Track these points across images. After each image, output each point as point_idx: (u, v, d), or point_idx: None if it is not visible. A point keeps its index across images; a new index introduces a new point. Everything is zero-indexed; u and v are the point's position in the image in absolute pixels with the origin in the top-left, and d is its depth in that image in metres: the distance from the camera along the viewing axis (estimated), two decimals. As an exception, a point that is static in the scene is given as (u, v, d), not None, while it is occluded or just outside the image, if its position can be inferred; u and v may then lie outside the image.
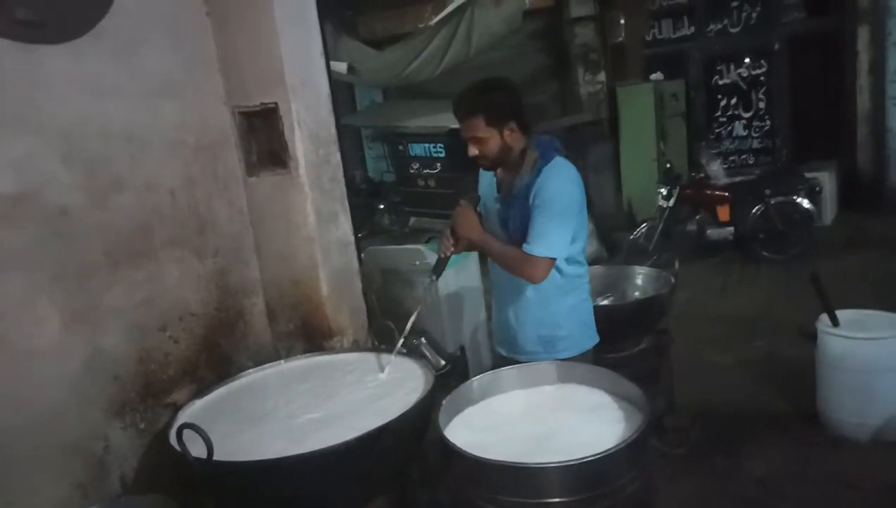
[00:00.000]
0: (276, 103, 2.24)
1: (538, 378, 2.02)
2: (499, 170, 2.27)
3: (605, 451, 1.52)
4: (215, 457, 1.59)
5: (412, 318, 2.10)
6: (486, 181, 2.34)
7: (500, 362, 2.30)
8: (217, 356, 2.26)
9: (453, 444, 1.65)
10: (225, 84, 2.29)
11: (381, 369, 2.10)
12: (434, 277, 2.19)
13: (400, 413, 1.76)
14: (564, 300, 2.23)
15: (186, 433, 1.64)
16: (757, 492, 2.68)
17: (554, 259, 2.09)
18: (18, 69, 1.72)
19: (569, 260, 2.19)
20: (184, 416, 1.93)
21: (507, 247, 2.14)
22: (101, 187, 1.90)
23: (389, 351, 2.19)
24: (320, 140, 2.35)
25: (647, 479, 1.64)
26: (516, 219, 2.14)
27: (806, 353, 3.18)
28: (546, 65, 7.94)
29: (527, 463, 1.56)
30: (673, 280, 2.98)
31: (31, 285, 1.72)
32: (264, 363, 2.28)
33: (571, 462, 1.52)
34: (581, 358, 2.24)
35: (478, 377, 2.01)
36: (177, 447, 1.66)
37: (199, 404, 2.04)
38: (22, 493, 1.69)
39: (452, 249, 2.17)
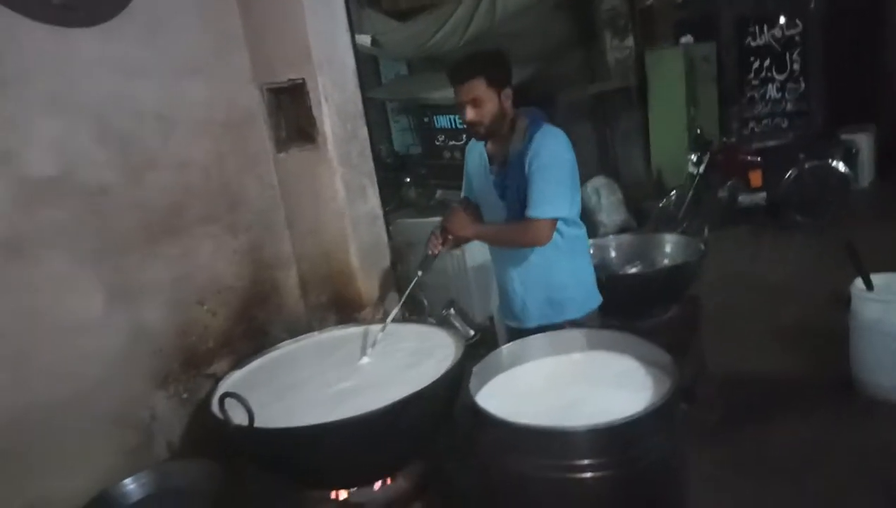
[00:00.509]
0: (303, 79, 2.27)
1: (567, 345, 2.04)
2: (489, 144, 2.28)
3: (634, 415, 1.54)
4: (255, 425, 1.66)
5: (410, 286, 2.18)
6: (475, 157, 2.36)
7: (511, 335, 2.33)
8: (253, 328, 2.33)
9: (485, 410, 1.69)
10: (252, 62, 2.33)
11: (372, 344, 2.13)
12: (420, 273, 2.21)
13: (431, 381, 1.80)
14: (567, 262, 2.27)
15: (228, 401, 1.72)
16: (788, 458, 2.67)
17: (556, 220, 2.13)
18: (54, 52, 1.77)
19: (567, 223, 2.22)
20: (224, 386, 2.00)
21: (503, 226, 2.21)
22: (135, 165, 1.96)
23: (420, 321, 2.23)
24: (347, 115, 2.38)
25: (675, 444, 1.66)
26: (513, 186, 2.17)
27: (839, 320, 3.14)
28: (572, 32, 7.78)
29: (556, 427, 1.60)
30: (703, 247, 2.96)
31: (73, 262, 1.79)
32: (298, 334, 2.34)
33: (600, 426, 1.54)
34: (588, 318, 2.29)
35: (507, 345, 2.04)
36: (219, 415, 1.73)
37: (237, 374, 2.11)
38: (78, 459, 1.79)
39: (440, 247, 2.23)
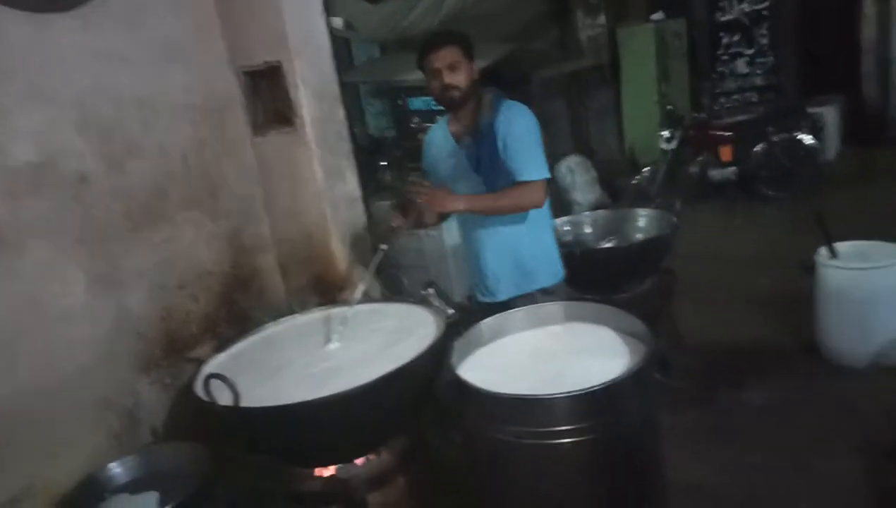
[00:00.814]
0: (279, 62, 2.28)
1: (545, 318, 2.10)
2: (452, 124, 2.38)
3: (608, 381, 1.61)
4: (241, 404, 1.70)
5: (374, 261, 2.19)
6: (438, 142, 2.44)
7: (485, 311, 2.32)
8: (235, 312, 2.36)
9: (466, 381, 1.75)
10: (229, 46, 2.33)
11: (342, 323, 2.15)
12: (384, 247, 2.24)
13: (413, 357, 1.85)
14: (536, 232, 2.37)
15: (213, 383, 1.75)
16: (758, 420, 2.78)
17: (547, 180, 2.24)
18: (32, 41, 1.77)
19: None
20: (207, 369, 2.02)
21: (496, 193, 2.24)
22: (116, 153, 1.97)
23: (399, 300, 2.28)
24: (324, 96, 2.40)
25: (649, 409, 1.73)
26: (485, 156, 2.26)
27: (809, 288, 3.25)
28: (546, 10, 7.80)
29: (536, 395, 1.65)
30: (675, 220, 3.04)
31: (56, 249, 1.80)
32: (279, 317, 2.37)
33: (577, 393, 1.61)
34: (558, 287, 2.41)
35: (487, 320, 2.09)
36: (204, 397, 1.76)
37: (220, 358, 2.14)
38: (64, 444, 1.82)
39: (402, 221, 2.26)
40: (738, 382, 3.04)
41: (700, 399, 2.93)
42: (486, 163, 2.26)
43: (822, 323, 3.19)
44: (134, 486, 1.84)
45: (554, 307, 2.12)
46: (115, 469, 1.86)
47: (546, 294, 2.37)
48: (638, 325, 1.87)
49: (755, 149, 6.21)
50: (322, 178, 2.36)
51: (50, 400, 1.78)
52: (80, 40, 1.86)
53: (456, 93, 2.23)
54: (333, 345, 2.10)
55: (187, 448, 1.91)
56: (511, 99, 2.33)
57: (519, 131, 2.22)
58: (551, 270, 2.42)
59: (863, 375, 3.01)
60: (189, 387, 1.91)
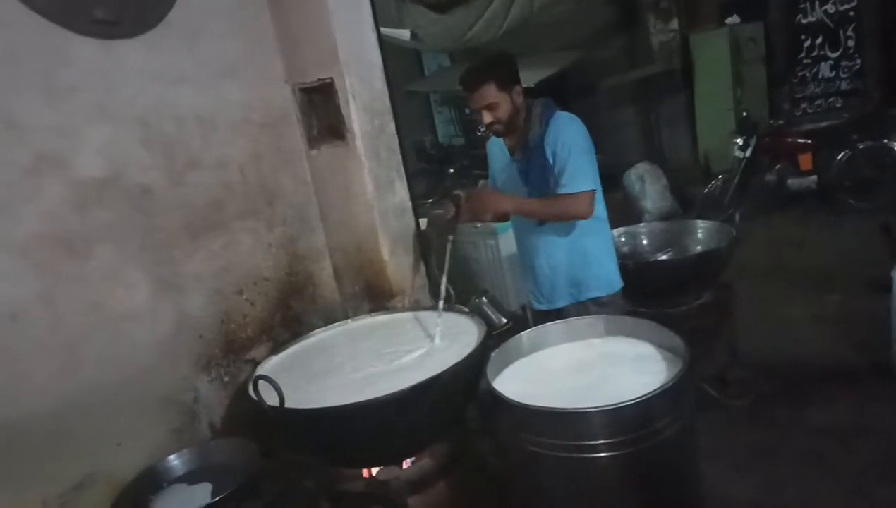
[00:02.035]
0: (331, 78, 2.37)
1: (585, 331, 2.10)
2: (507, 139, 2.46)
3: (643, 396, 1.60)
4: (286, 405, 1.78)
5: (447, 252, 2.29)
6: (497, 152, 2.55)
7: (539, 318, 2.45)
8: (290, 316, 2.46)
9: (500, 393, 1.77)
10: (285, 63, 2.44)
11: (442, 336, 2.19)
12: (451, 237, 2.33)
13: (450, 365, 1.89)
14: (591, 240, 2.41)
15: (262, 384, 1.84)
16: (820, 444, 2.66)
17: (593, 191, 2.26)
18: (99, 63, 1.91)
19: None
20: (261, 371, 2.14)
21: (545, 199, 2.29)
22: (177, 167, 2.10)
23: (447, 309, 2.32)
24: (375, 111, 2.47)
25: (686, 424, 1.71)
26: (535, 168, 2.32)
27: (884, 306, 3.08)
28: (614, 16, 7.71)
29: (567, 408, 1.66)
30: (734, 233, 2.95)
31: (121, 256, 1.94)
32: (332, 322, 2.47)
33: (611, 407, 1.61)
34: (612, 297, 2.44)
35: (527, 331, 2.11)
36: (254, 397, 1.87)
37: (274, 360, 2.25)
38: (128, 437, 1.94)
39: (453, 212, 2.35)
40: (800, 402, 2.92)
41: (757, 417, 2.84)
42: (536, 177, 2.33)
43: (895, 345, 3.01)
44: (190, 478, 1.95)
45: (593, 320, 2.11)
46: (174, 461, 1.98)
47: (598, 305, 2.41)
48: (676, 341, 1.84)
49: (838, 157, 5.92)
50: (372, 190, 2.43)
51: (114, 395, 1.91)
52: (143, 62, 2.00)
53: (498, 128, 2.34)
54: (437, 342, 2.16)
55: (240, 443, 2.00)
56: (565, 109, 2.38)
57: (566, 142, 2.26)
58: (605, 280, 2.44)
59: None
60: (245, 386, 2.01)
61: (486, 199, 2.29)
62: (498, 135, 2.41)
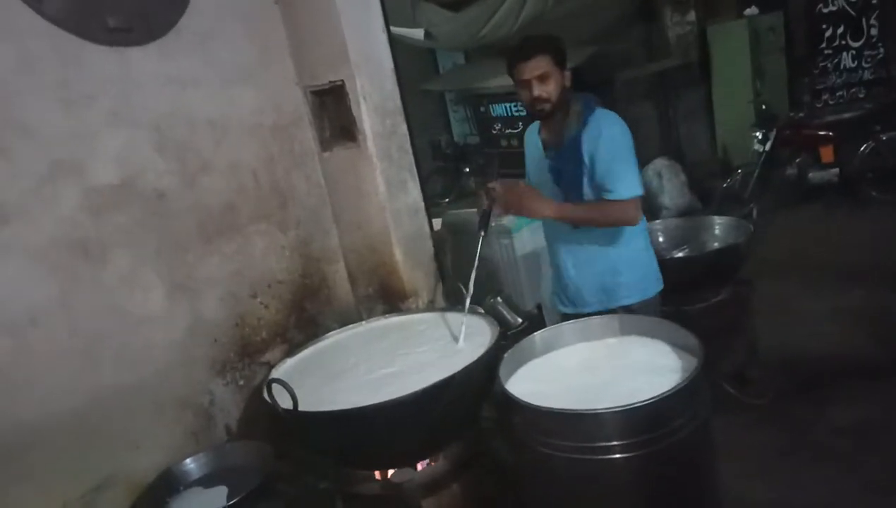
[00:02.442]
0: (342, 80, 2.38)
1: (599, 331, 2.08)
2: (543, 130, 2.33)
3: (656, 397, 1.58)
4: (300, 408, 1.80)
5: (478, 247, 2.20)
6: (532, 145, 2.42)
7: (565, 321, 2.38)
8: (304, 319, 2.47)
9: (512, 394, 1.76)
10: (296, 66, 2.45)
11: (455, 337, 2.17)
12: (482, 233, 2.24)
13: (464, 366, 1.88)
14: (622, 247, 2.27)
15: (276, 387, 1.86)
16: (840, 443, 2.61)
17: (639, 198, 2.15)
18: (113, 71, 1.94)
19: None
20: (275, 373, 2.15)
21: (589, 205, 2.17)
22: (190, 171, 2.12)
23: (459, 310, 2.32)
24: (386, 112, 2.47)
25: (701, 423, 1.68)
26: (568, 169, 2.19)
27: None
28: (630, 9, 7.63)
29: (580, 409, 1.65)
30: (751, 229, 2.91)
31: (137, 260, 1.97)
32: (347, 324, 2.48)
33: (623, 408, 1.59)
34: (644, 304, 2.29)
35: (540, 331, 2.09)
36: (268, 400, 1.88)
37: (289, 362, 2.27)
38: (145, 438, 1.97)
39: (486, 205, 2.22)
40: (820, 400, 2.87)
41: (778, 416, 2.80)
42: (568, 178, 2.20)
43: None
44: (206, 480, 1.97)
45: (608, 320, 2.09)
46: (190, 464, 2.00)
47: (629, 312, 2.26)
48: (690, 339, 1.82)
49: (861, 149, 5.81)
50: (384, 191, 2.44)
51: (131, 398, 1.94)
52: (156, 68, 2.02)
53: (546, 105, 2.16)
54: (461, 344, 2.13)
55: (255, 446, 2.02)
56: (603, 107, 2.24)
57: (609, 145, 2.12)
58: (638, 285, 2.31)
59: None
60: (260, 389, 2.03)
61: (525, 200, 2.14)
62: (543, 114, 2.19)
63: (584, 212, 2.18)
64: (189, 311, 2.11)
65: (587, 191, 2.20)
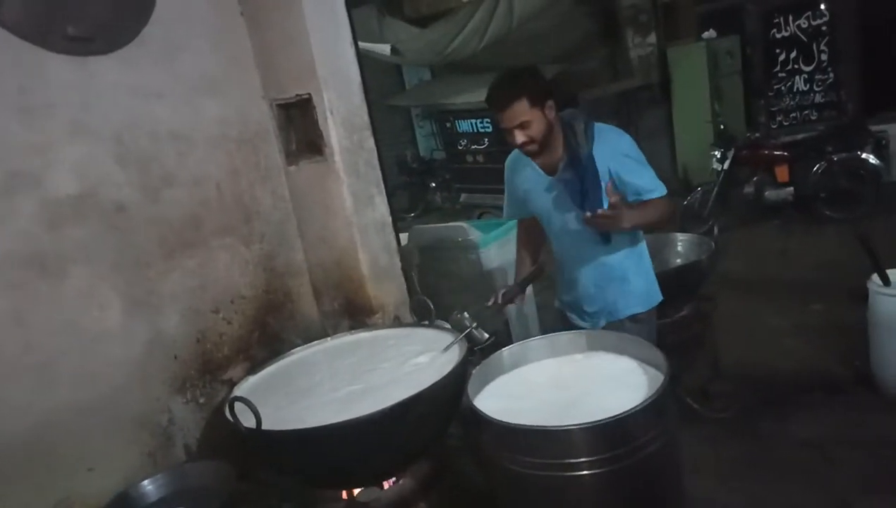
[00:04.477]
0: (309, 94, 2.36)
1: (567, 347, 2.09)
2: (537, 158, 2.24)
3: (622, 413, 1.59)
4: (263, 427, 1.75)
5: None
6: (527, 174, 2.32)
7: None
8: (268, 335, 2.43)
9: (480, 411, 1.75)
10: (262, 79, 2.42)
11: (422, 353, 2.17)
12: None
13: (431, 382, 1.87)
14: (634, 254, 2.32)
15: (238, 406, 1.81)
16: (801, 454, 2.66)
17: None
18: (73, 80, 1.89)
19: None
20: (238, 391, 2.10)
21: (648, 207, 2.16)
22: (152, 184, 2.07)
23: (428, 325, 2.30)
24: (353, 126, 2.46)
25: (668, 439, 1.70)
26: (590, 188, 2.14)
27: (863, 316, 3.10)
28: (594, 30, 7.79)
29: (548, 426, 1.65)
30: (713, 245, 2.96)
31: (94, 275, 1.91)
32: (312, 340, 2.43)
33: (590, 424, 1.59)
34: (649, 314, 2.34)
35: (508, 347, 2.09)
36: (230, 418, 1.83)
37: (252, 380, 2.21)
38: (100, 460, 1.90)
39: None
40: (783, 414, 2.93)
41: (741, 430, 2.84)
42: (593, 194, 2.13)
43: (875, 354, 3.04)
44: (165, 503, 1.91)
45: (575, 336, 2.11)
46: (148, 486, 1.93)
47: (635, 321, 2.32)
48: (657, 355, 1.84)
49: (814, 169, 6.00)
50: (351, 205, 2.42)
51: (87, 418, 1.87)
52: (118, 78, 1.97)
53: (533, 148, 2.14)
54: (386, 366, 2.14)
55: (215, 466, 1.97)
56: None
57: (630, 152, 2.17)
58: (644, 296, 2.35)
59: (919, 412, 2.86)
60: (221, 407, 1.98)
61: (616, 220, 2.06)
62: (533, 156, 2.19)
63: (653, 213, 2.17)
64: (148, 327, 2.05)
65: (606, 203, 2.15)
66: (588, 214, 2.07)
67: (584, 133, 2.16)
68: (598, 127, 2.19)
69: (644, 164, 2.18)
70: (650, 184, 2.16)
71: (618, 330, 2.25)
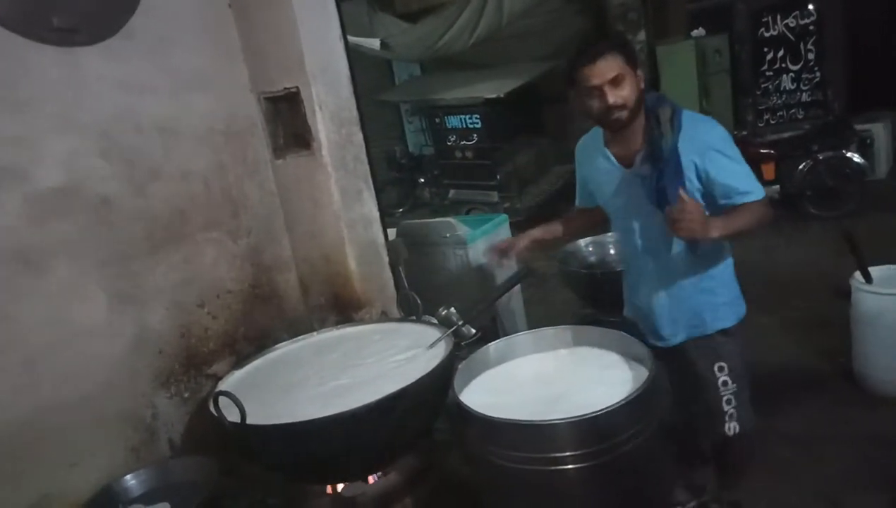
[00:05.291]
0: (297, 87, 2.35)
1: (553, 342, 2.10)
2: (614, 144, 2.00)
3: (607, 407, 1.60)
4: (248, 422, 1.75)
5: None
6: (597, 161, 2.07)
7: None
8: (254, 329, 2.42)
9: (466, 405, 1.76)
10: (250, 72, 2.41)
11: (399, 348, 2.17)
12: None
13: (418, 377, 1.87)
14: (720, 264, 2.06)
15: (223, 400, 1.80)
16: (786, 450, 2.70)
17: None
18: (58, 73, 1.87)
19: None
20: (224, 385, 2.09)
21: (739, 214, 1.85)
22: (138, 177, 2.06)
23: (415, 321, 2.30)
24: (342, 120, 2.45)
25: (653, 434, 1.71)
26: (673, 183, 1.84)
27: (846, 312, 3.14)
28: (583, 28, 7.80)
29: (533, 420, 1.66)
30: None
31: (79, 269, 1.89)
32: (299, 335, 2.42)
33: (575, 419, 1.60)
34: (739, 326, 2.11)
35: (494, 342, 2.10)
36: (215, 413, 1.82)
37: (237, 374, 2.20)
38: (84, 455, 1.89)
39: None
40: (768, 410, 2.93)
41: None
42: (674, 193, 1.81)
43: (858, 351, 3.08)
44: (148, 497, 1.90)
45: (561, 331, 2.11)
46: (131, 480, 1.93)
47: (726, 335, 2.09)
48: (642, 350, 1.85)
49: (799, 168, 6.05)
50: (339, 200, 2.41)
51: (70, 413, 1.85)
52: (104, 71, 1.95)
53: (623, 113, 1.85)
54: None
55: (200, 461, 1.96)
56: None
57: (722, 146, 1.87)
58: (734, 308, 2.11)
59: (901, 407, 2.90)
60: (206, 402, 1.97)
61: (695, 225, 1.77)
62: (620, 124, 1.88)
63: (744, 221, 1.85)
64: (133, 322, 2.04)
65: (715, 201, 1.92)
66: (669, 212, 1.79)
67: (671, 121, 1.86)
68: (687, 115, 1.90)
69: (738, 161, 1.87)
70: (744, 185, 1.84)
71: (706, 345, 2.07)
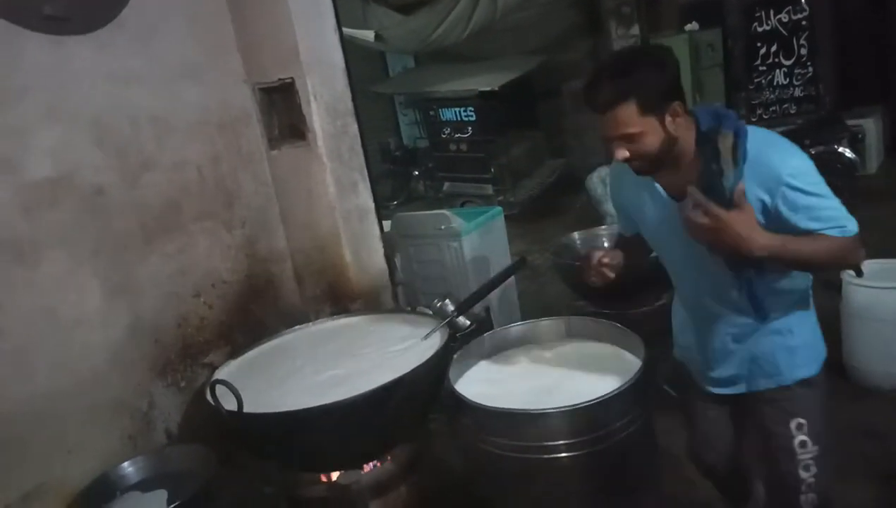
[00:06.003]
0: (292, 78, 2.35)
1: (547, 334, 2.12)
2: (659, 176, 1.63)
3: (601, 397, 1.62)
4: (245, 410, 1.75)
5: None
6: (639, 189, 1.71)
7: (705, 400, 1.84)
8: (249, 320, 2.42)
9: (462, 395, 1.77)
10: (244, 62, 2.41)
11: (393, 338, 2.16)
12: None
13: (413, 367, 1.88)
14: (798, 300, 1.70)
15: (219, 389, 1.81)
16: (775, 441, 2.72)
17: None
18: (50, 62, 1.86)
19: None
20: (220, 375, 2.09)
21: (810, 238, 1.47)
22: (131, 168, 2.05)
23: (409, 312, 2.31)
24: (337, 112, 2.45)
25: (644, 424, 1.73)
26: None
27: (836, 306, 3.16)
28: (577, 22, 7.81)
29: (527, 409, 1.67)
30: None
31: (73, 260, 1.89)
32: (294, 325, 2.43)
33: (568, 408, 1.62)
34: (821, 374, 1.74)
35: (489, 333, 2.12)
36: (211, 401, 1.83)
37: (233, 364, 2.21)
38: (80, 444, 1.89)
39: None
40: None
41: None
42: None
43: (847, 344, 3.11)
44: (145, 485, 1.91)
45: (555, 323, 2.13)
46: (128, 468, 1.94)
47: (808, 386, 1.71)
48: (635, 341, 1.87)
49: (792, 162, 6.09)
50: (334, 191, 2.42)
51: (65, 403, 1.85)
52: (96, 61, 1.95)
53: (641, 165, 1.55)
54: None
55: (196, 449, 1.97)
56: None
57: (800, 180, 1.45)
58: (814, 352, 1.74)
59: (889, 397, 2.92)
60: (202, 391, 1.97)
61: (736, 233, 1.41)
62: (642, 173, 1.60)
63: (810, 249, 1.47)
64: (128, 312, 2.04)
65: None
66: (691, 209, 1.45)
67: (732, 152, 1.48)
68: (755, 137, 1.50)
69: (821, 194, 1.47)
70: (833, 219, 1.47)
71: (781, 398, 1.71)
